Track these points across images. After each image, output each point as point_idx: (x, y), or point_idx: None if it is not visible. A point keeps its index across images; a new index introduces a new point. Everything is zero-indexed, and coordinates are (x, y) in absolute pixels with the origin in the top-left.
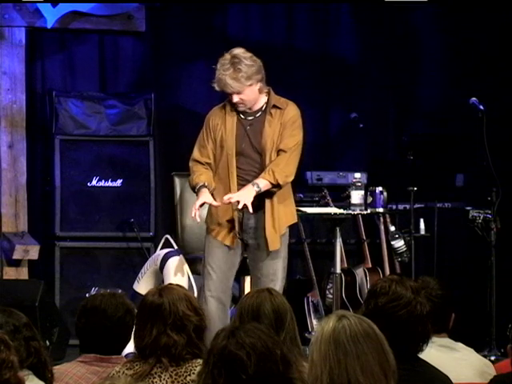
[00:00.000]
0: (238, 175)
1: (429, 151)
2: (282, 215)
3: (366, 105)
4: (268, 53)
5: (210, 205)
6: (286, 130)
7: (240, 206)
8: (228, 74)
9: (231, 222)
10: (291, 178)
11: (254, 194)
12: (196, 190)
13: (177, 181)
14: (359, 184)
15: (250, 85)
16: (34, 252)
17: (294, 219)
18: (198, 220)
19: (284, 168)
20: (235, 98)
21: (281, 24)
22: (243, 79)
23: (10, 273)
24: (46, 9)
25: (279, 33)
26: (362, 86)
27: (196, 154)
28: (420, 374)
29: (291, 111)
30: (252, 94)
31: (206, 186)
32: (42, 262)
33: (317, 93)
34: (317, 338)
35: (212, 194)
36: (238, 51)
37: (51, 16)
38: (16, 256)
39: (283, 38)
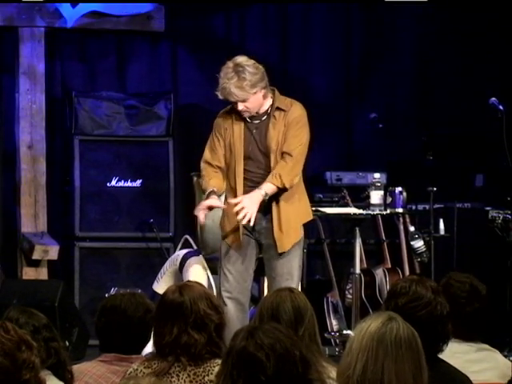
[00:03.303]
0: (245, 178)
1: (448, 151)
2: (292, 215)
3: (385, 105)
4: (287, 54)
5: (218, 207)
6: (289, 130)
7: (244, 222)
8: (232, 83)
9: (237, 225)
10: (297, 179)
11: (260, 200)
12: (205, 196)
13: (196, 181)
14: (379, 184)
15: (255, 93)
16: (53, 252)
17: (308, 217)
18: (202, 221)
19: (289, 171)
20: (240, 106)
21: (298, 22)
22: (248, 87)
23: (29, 273)
24: (65, 9)
25: (298, 35)
26: (381, 86)
27: (207, 155)
28: (440, 375)
29: (295, 112)
30: (256, 101)
31: (214, 192)
32: (62, 263)
33: (336, 93)
34: (361, 330)
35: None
36: (241, 59)
37: (71, 16)
38: (35, 256)
39: (302, 39)
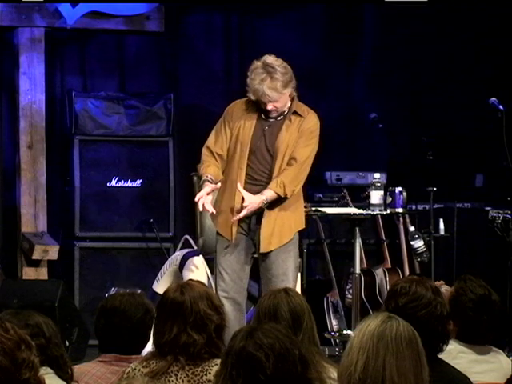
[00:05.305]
0: (247, 173)
1: (448, 151)
2: (287, 221)
3: (385, 105)
4: (284, 52)
5: (214, 189)
6: (302, 138)
7: (239, 206)
8: (265, 84)
9: (231, 212)
10: (299, 188)
11: (259, 205)
12: (200, 183)
13: (196, 181)
14: (379, 184)
15: (285, 93)
16: (53, 252)
17: (301, 225)
18: (210, 210)
19: (293, 180)
20: (269, 106)
21: (297, 23)
22: (281, 88)
23: (29, 273)
24: (65, 9)
25: (294, 34)
26: (381, 86)
27: (211, 141)
28: (440, 375)
29: (311, 120)
30: (284, 100)
31: (209, 181)
32: (62, 263)
33: (337, 93)
34: (361, 329)
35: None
36: (271, 59)
37: (70, 16)
38: (35, 256)
39: (299, 41)
